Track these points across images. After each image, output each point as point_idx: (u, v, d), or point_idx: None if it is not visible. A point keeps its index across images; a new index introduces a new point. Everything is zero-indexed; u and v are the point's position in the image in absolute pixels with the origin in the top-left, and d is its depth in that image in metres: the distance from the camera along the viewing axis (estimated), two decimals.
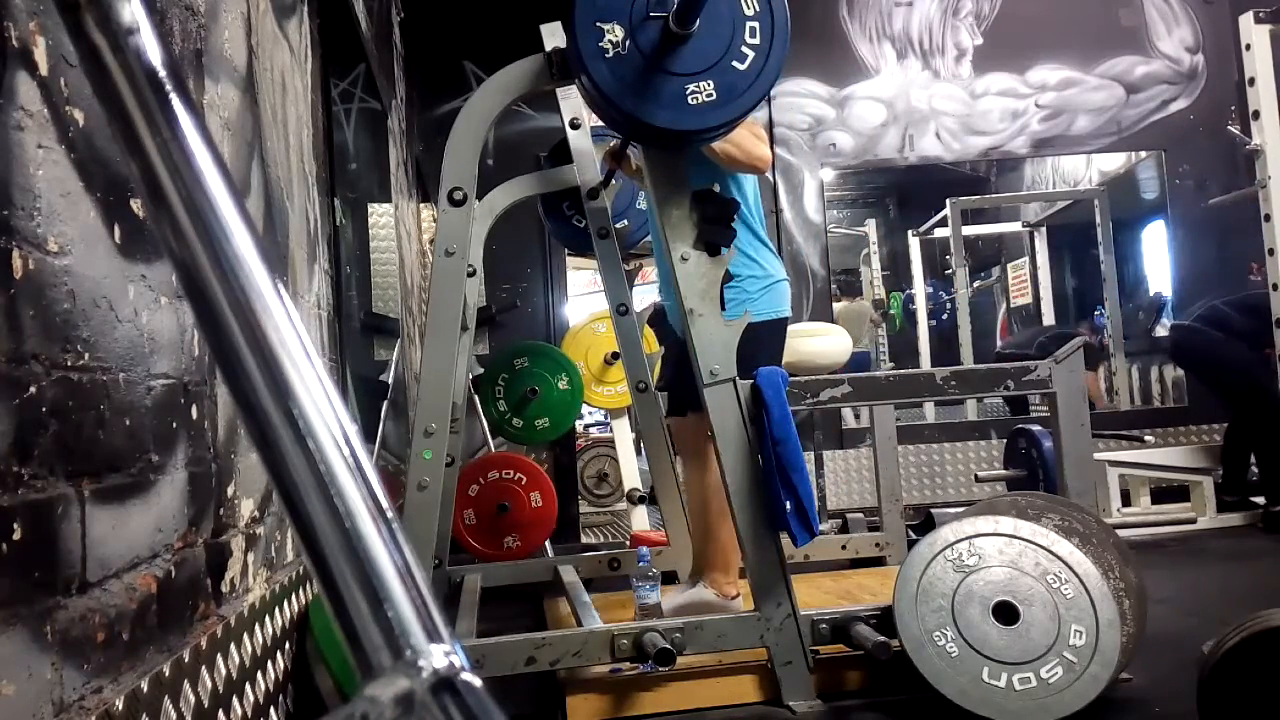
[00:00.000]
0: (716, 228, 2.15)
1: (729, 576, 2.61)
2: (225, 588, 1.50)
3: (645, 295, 10.36)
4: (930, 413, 5.83)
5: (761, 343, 2.50)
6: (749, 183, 2.66)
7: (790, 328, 4.09)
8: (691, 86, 1.92)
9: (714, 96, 1.93)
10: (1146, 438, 4.82)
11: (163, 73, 0.54)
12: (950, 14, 5.26)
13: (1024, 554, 1.99)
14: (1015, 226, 7.01)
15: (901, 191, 8.26)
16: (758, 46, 1.94)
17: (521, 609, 3.19)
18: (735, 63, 1.94)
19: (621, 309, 3.33)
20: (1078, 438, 2.29)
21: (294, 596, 1.94)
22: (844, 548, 3.45)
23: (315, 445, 0.50)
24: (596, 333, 4.31)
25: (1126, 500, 4.41)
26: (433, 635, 0.47)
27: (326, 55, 2.70)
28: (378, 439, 3.27)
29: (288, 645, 1.85)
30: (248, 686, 1.54)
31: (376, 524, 0.49)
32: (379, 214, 3.83)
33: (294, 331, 0.52)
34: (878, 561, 3.44)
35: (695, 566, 2.75)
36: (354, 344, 3.27)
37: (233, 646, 1.47)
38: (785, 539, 2.12)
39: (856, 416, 5.28)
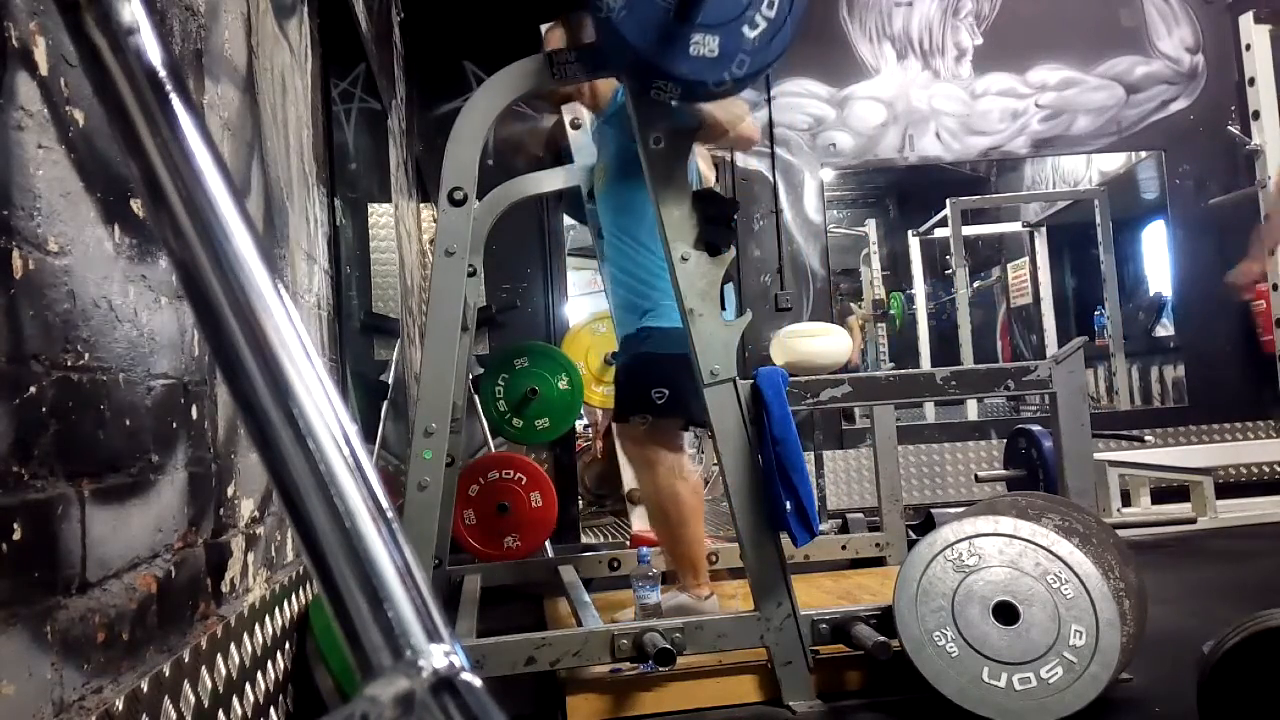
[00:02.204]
0: (717, 228, 2.15)
1: (699, 578, 2.64)
2: (225, 588, 1.50)
3: None
4: (930, 413, 5.83)
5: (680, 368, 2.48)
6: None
7: (790, 328, 4.10)
8: (697, 38, 1.95)
9: (715, 54, 1.95)
10: (1146, 438, 4.82)
11: (163, 73, 0.54)
12: (950, 14, 5.26)
13: (1024, 554, 1.99)
14: (1015, 226, 7.02)
15: (901, 191, 8.27)
16: (772, 20, 1.97)
17: (521, 609, 3.19)
18: (746, 27, 1.96)
19: None
20: (1078, 438, 2.29)
21: (294, 596, 1.94)
22: (844, 548, 3.45)
23: (315, 445, 0.50)
24: (596, 333, 4.31)
25: (1126, 500, 4.41)
26: (433, 635, 0.47)
27: (326, 55, 2.70)
28: (378, 439, 3.27)
29: (288, 645, 1.85)
30: (248, 686, 1.54)
31: (376, 524, 0.49)
32: (379, 214, 3.83)
33: (294, 331, 0.52)
34: (878, 561, 3.44)
35: (670, 572, 2.77)
36: (354, 344, 3.27)
37: (233, 646, 1.47)
38: (785, 539, 2.12)
39: (855, 419, 5.28)
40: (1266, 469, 4.89)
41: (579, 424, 5.85)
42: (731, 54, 1.96)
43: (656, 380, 2.56)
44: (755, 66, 1.99)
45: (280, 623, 1.81)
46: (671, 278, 2.15)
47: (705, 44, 1.95)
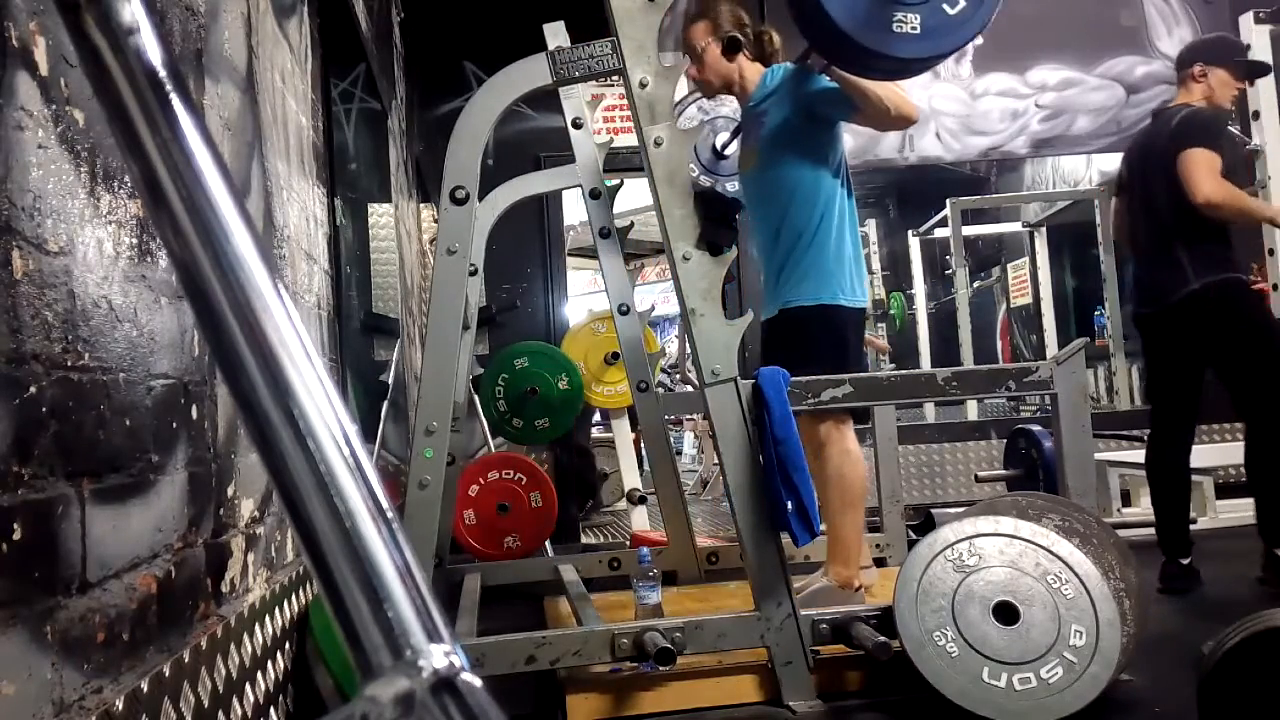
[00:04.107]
0: (719, 228, 2.15)
1: (850, 569, 2.59)
2: (225, 588, 1.50)
3: (645, 295, 10.39)
4: (930, 413, 5.83)
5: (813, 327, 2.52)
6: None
7: None
8: (899, 15, 2.03)
9: (917, 30, 2.05)
10: (1146, 438, 4.80)
11: (163, 73, 0.54)
12: None
13: (1024, 554, 1.99)
14: (1015, 226, 7.01)
15: (901, 191, 8.26)
16: None
17: (522, 609, 3.18)
18: (945, 5, 2.06)
19: (623, 309, 3.34)
20: (1078, 438, 2.29)
21: (294, 596, 1.94)
22: None
23: (315, 445, 0.49)
24: (597, 333, 4.31)
25: (1126, 500, 4.40)
26: (433, 635, 0.47)
27: (326, 55, 2.70)
28: (378, 439, 3.27)
29: (288, 645, 1.85)
30: (248, 686, 1.54)
31: (376, 524, 0.49)
32: (379, 214, 3.84)
33: (294, 331, 0.52)
34: (878, 562, 3.43)
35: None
36: (354, 344, 3.27)
37: (233, 646, 1.47)
38: (786, 539, 2.12)
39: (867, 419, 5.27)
40: None
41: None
42: (932, 31, 2.03)
43: (807, 362, 2.44)
44: (955, 43, 2.08)
45: (280, 623, 1.81)
46: (673, 277, 2.16)
47: (908, 21, 2.02)
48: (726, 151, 3.20)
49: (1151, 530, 3.13)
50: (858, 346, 2.64)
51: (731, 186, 3.22)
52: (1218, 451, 4.36)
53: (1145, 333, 3.18)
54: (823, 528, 3.05)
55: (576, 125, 3.28)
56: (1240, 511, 4.09)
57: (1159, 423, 3.16)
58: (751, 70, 2.73)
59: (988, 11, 2.06)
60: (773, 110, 2.62)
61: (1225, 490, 4.32)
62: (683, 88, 3.21)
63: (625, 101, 3.13)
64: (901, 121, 2.48)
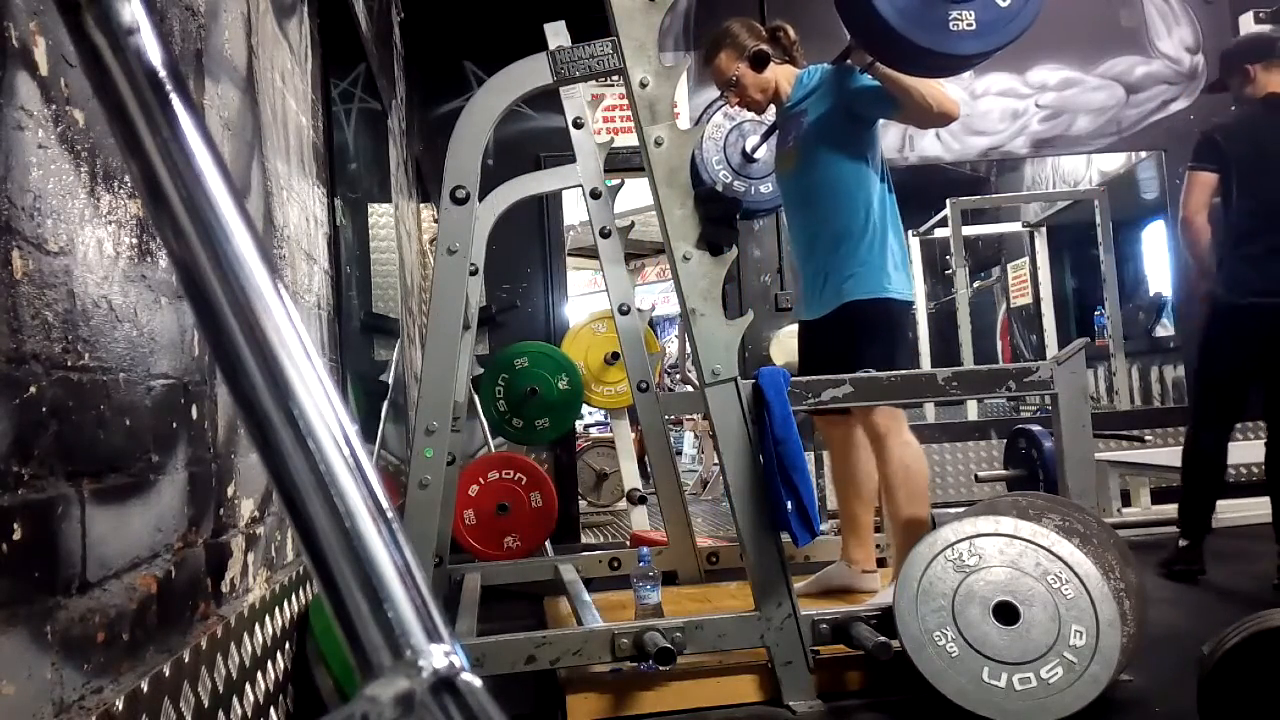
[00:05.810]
0: (719, 227, 2.15)
1: (866, 551, 2.82)
2: (225, 588, 1.50)
3: (645, 295, 10.38)
4: (930, 413, 5.82)
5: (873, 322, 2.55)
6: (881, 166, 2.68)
7: (790, 328, 4.09)
8: (955, 14, 2.05)
9: (974, 27, 2.07)
10: (1146, 438, 4.81)
11: (163, 73, 0.54)
12: None
13: (1024, 554, 1.99)
14: (1015, 226, 7.00)
15: (902, 191, 8.20)
16: None
17: (522, 608, 3.19)
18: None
19: (623, 309, 3.34)
20: (1078, 438, 2.29)
21: (294, 596, 1.94)
22: None
23: (315, 445, 0.49)
24: (597, 333, 4.31)
25: (1126, 500, 4.40)
26: (433, 635, 0.47)
27: (326, 55, 2.70)
28: (378, 439, 3.27)
29: (288, 645, 1.85)
30: (248, 686, 1.54)
31: (376, 524, 0.49)
32: (379, 214, 3.83)
33: (294, 331, 0.52)
34: (878, 562, 3.43)
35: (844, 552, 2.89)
36: (354, 344, 3.26)
37: (233, 646, 1.47)
38: (786, 539, 2.12)
39: None
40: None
41: (578, 424, 5.84)
42: (987, 26, 2.05)
43: (870, 356, 2.45)
44: (1009, 36, 2.08)
45: (280, 623, 1.81)
46: (673, 277, 2.16)
47: (963, 19, 2.04)
48: (756, 155, 3.19)
49: (1151, 530, 3.14)
50: (906, 341, 2.66)
51: (765, 189, 3.21)
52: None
53: (1248, 322, 3.04)
54: (822, 527, 3.08)
55: (577, 125, 3.28)
56: (1242, 511, 4.09)
57: (1215, 411, 3.19)
58: (785, 72, 2.74)
59: (1037, 3, 2.07)
60: (812, 110, 2.63)
61: (1225, 490, 4.31)
62: (709, 94, 3.20)
63: (625, 101, 3.13)
64: (943, 118, 2.47)
